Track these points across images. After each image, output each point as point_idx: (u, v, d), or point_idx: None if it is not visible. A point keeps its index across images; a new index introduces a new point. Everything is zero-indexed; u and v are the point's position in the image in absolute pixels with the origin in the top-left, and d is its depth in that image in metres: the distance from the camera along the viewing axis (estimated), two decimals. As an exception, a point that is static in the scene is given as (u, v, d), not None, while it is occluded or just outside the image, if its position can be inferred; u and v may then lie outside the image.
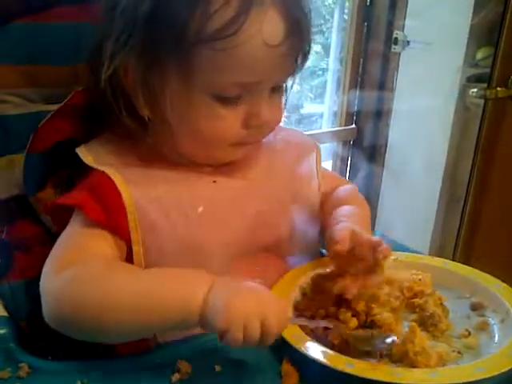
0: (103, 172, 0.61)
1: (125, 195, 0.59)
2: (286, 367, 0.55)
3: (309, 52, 0.63)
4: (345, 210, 0.71)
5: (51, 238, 0.72)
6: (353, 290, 0.60)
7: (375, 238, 0.61)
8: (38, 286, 0.71)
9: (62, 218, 0.62)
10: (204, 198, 0.63)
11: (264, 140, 0.67)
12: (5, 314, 0.65)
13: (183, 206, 0.62)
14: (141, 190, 0.61)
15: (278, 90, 0.63)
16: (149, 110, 0.61)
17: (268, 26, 0.56)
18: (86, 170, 0.64)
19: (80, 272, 0.56)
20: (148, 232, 0.60)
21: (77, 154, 0.68)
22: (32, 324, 0.71)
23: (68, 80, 0.70)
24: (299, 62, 0.63)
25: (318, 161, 0.76)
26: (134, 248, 0.59)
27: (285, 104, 0.67)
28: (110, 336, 0.56)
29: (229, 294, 0.52)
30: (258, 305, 0.52)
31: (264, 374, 0.55)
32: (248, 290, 0.54)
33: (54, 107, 0.68)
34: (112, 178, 0.60)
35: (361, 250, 0.61)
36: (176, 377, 0.54)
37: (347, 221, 0.66)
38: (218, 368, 0.56)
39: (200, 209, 0.62)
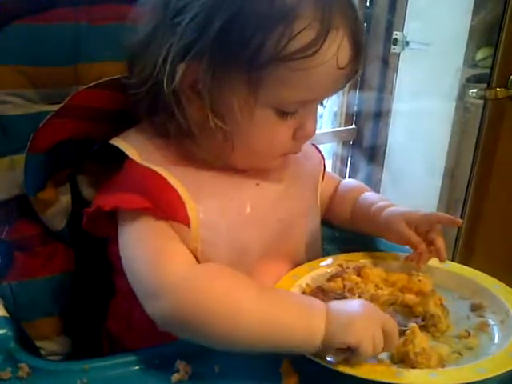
0: (153, 171, 0.61)
1: (186, 201, 0.59)
2: (286, 367, 0.55)
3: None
4: (370, 196, 0.80)
5: (51, 238, 0.72)
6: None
7: (425, 213, 0.70)
8: (37, 285, 0.72)
9: (96, 220, 0.62)
10: (250, 199, 0.65)
11: None
12: (5, 314, 0.64)
13: (235, 207, 0.64)
14: (196, 190, 0.61)
15: (321, 103, 0.65)
16: (216, 118, 0.59)
17: (341, 49, 0.57)
18: (97, 164, 0.64)
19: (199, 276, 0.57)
20: (206, 230, 0.60)
21: (81, 150, 0.69)
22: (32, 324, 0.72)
23: (68, 80, 0.69)
24: (349, 80, 0.64)
25: (321, 175, 0.77)
26: (193, 245, 0.60)
27: None
28: (224, 346, 0.55)
29: (348, 313, 0.54)
30: (374, 314, 0.54)
31: (264, 374, 0.55)
32: (359, 304, 0.56)
33: (54, 107, 0.68)
34: (168, 179, 0.60)
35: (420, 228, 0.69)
36: (175, 377, 0.54)
37: (389, 206, 0.74)
38: (217, 368, 0.56)
39: (248, 209, 0.64)
